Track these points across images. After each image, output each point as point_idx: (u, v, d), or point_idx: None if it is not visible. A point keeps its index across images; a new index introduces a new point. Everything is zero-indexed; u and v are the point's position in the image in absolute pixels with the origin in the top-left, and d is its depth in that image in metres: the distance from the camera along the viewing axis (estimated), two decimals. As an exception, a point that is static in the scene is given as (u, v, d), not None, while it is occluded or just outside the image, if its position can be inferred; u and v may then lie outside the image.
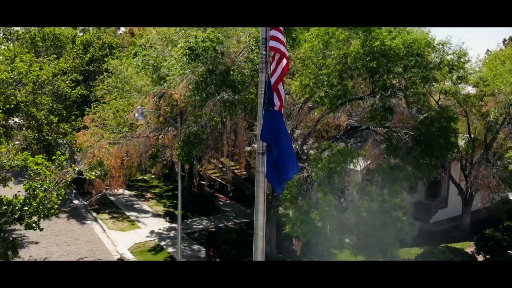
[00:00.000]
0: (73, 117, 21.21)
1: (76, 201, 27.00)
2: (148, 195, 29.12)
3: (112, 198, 27.73)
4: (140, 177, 34.14)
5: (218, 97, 12.35)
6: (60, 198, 9.91)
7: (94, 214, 24.19)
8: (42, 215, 9.47)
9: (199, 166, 16.43)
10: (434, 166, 14.53)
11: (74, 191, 28.96)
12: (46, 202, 9.34)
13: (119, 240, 20.42)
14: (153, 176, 34.54)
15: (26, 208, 9.10)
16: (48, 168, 10.05)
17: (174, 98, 12.78)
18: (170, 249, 19.60)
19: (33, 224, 9.74)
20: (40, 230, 10.09)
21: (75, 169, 10.67)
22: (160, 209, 25.96)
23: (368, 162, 15.00)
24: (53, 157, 10.54)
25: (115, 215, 24.43)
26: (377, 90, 14.37)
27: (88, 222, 23.25)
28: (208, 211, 25.43)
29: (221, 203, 27.50)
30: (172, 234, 21.61)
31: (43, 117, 16.94)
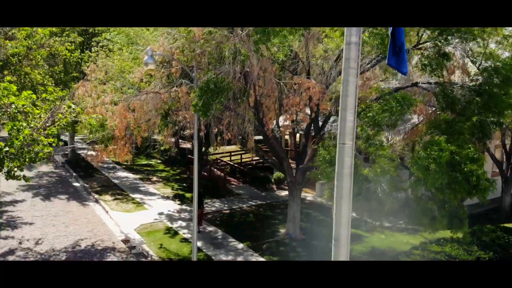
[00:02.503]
0: (72, 83, 19.02)
1: (76, 184, 24.87)
2: (154, 178, 26.94)
3: (116, 181, 25.55)
4: (145, 162, 32.02)
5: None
6: (52, 140, 7.70)
7: (96, 196, 22.01)
8: (27, 159, 7.26)
9: (215, 130, 14.08)
10: (497, 124, 12.26)
11: (74, 173, 26.83)
12: (34, 143, 7.13)
13: (123, 222, 18.23)
14: (158, 161, 32.43)
15: (6, 149, 6.89)
16: (37, 107, 7.84)
17: (192, 36, 10.56)
18: (184, 231, 17.38)
19: (16, 170, 7.51)
20: (26, 181, 7.89)
21: (70, 106, 8.48)
22: (168, 191, 23.77)
23: (421, 120, 12.81)
24: (44, 95, 8.34)
25: (118, 196, 22.24)
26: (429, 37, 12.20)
27: (89, 203, 21.06)
28: (220, 193, 23.22)
29: (233, 186, 25.28)
30: (183, 215, 19.39)
31: (39, 76, 14.74)
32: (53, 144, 7.84)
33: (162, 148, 22.62)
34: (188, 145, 40.74)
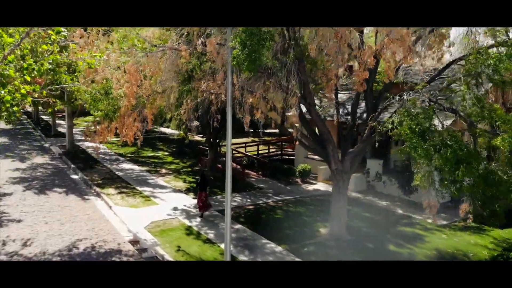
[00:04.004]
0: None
1: (75, 176, 21.87)
2: (163, 170, 23.92)
3: (120, 173, 22.53)
4: (151, 154, 29.06)
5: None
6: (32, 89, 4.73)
7: (97, 189, 19.00)
8: None
9: (249, 100, 10.94)
10: None
11: (72, 165, 23.82)
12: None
13: (130, 218, 15.21)
14: (166, 153, 29.45)
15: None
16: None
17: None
18: (205, 230, 14.35)
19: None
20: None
21: (59, 32, 5.54)
22: (180, 185, 20.74)
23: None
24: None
25: (124, 190, 19.22)
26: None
27: (90, 197, 18.05)
28: (240, 187, 20.19)
29: (252, 179, 22.26)
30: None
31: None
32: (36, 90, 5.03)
33: (179, 132, 19.65)
34: (196, 137, 37.75)
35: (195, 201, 17.77)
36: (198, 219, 15.42)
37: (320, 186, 21.44)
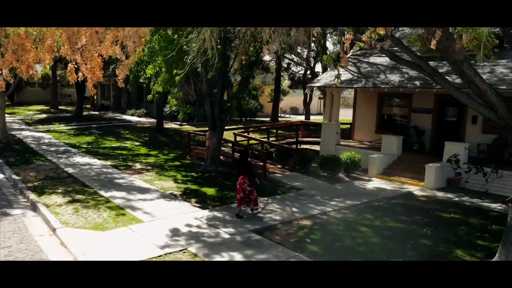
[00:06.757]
0: None
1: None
2: (138, 165, 16.14)
3: (71, 170, 14.61)
4: (116, 144, 21.16)
5: None
6: None
7: (32, 196, 11.12)
8: None
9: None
10: None
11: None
12: None
13: (93, 255, 7.57)
14: (136, 143, 21.61)
15: None
16: None
17: None
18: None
19: None
20: None
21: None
22: (170, 185, 13.15)
23: None
24: None
25: (78, 196, 11.43)
26: None
27: (16, 211, 10.15)
28: (267, 189, 12.91)
29: (277, 175, 15.01)
30: (226, 235, 8.92)
31: None
32: None
33: (172, 103, 12.28)
34: (173, 125, 29.96)
35: (206, 212, 10.33)
36: (229, 252, 7.96)
37: (378, 182, 14.57)
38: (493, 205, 12.06)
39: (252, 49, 13.66)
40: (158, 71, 11.34)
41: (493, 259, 7.59)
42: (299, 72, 35.08)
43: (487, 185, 13.30)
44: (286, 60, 33.71)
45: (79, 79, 7.35)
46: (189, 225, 9.37)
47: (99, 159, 16.92)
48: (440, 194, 13.21)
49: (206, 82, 14.15)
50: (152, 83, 13.07)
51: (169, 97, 12.55)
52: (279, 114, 38.67)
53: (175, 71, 10.87)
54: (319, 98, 48.49)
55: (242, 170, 10.18)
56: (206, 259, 7.55)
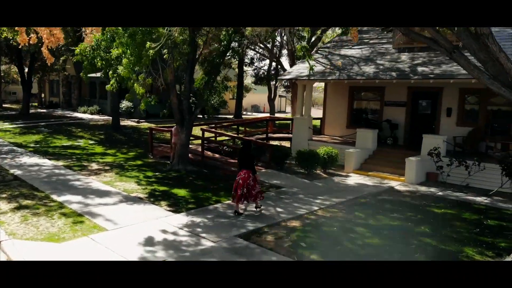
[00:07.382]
0: None
1: None
2: (94, 165, 14.47)
3: (18, 172, 12.78)
4: (68, 143, 19.25)
5: None
6: None
7: (-32, 203, 9.34)
8: None
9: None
10: None
11: None
12: None
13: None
14: (91, 142, 19.79)
15: None
16: None
17: None
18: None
19: None
20: None
21: None
22: (133, 187, 11.69)
23: None
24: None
25: (26, 201, 9.76)
26: None
27: None
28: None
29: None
30: (209, 243, 7.68)
31: None
32: None
33: (139, 91, 10.80)
34: (130, 122, 28.12)
35: (181, 217, 9.08)
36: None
37: (357, 178, 13.86)
38: (478, 199, 11.64)
39: (224, 33, 12.45)
40: (124, 50, 9.91)
41: (507, 259, 6.94)
42: (263, 68, 34.15)
43: (469, 179, 12.90)
44: (249, 55, 32.68)
45: (31, 42, 5.88)
46: (164, 232, 8.06)
47: (49, 159, 15.06)
48: (422, 188, 12.66)
49: (172, 71, 12.77)
50: (111, 72, 11.53)
51: (135, 85, 11.06)
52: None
53: (144, 52, 9.48)
54: (279, 96, 47.91)
55: (245, 163, 9.20)
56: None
